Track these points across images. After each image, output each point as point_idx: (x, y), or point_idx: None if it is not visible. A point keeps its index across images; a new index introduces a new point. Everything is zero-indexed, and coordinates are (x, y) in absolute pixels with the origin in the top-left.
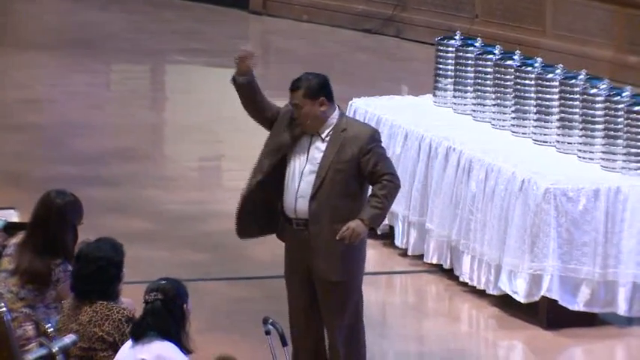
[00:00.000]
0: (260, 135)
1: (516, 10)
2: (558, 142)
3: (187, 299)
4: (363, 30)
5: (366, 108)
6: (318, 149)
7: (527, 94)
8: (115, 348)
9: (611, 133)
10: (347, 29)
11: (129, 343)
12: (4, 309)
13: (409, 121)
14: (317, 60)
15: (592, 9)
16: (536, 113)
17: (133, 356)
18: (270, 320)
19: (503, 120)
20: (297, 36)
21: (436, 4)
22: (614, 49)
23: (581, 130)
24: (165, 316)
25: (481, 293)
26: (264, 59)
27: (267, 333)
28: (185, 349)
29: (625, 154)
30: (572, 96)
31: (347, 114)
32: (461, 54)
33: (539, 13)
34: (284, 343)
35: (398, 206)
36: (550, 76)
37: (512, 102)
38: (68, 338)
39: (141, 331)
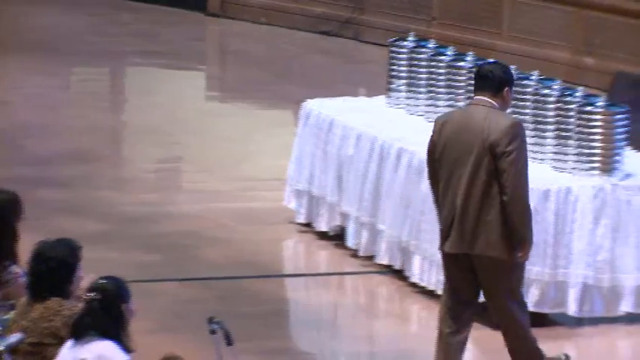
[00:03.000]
0: (215, 137)
1: (473, 13)
2: None
3: (129, 299)
4: (321, 32)
5: (319, 109)
6: None
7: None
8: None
9: (563, 133)
10: (305, 32)
11: (69, 342)
12: None
13: (362, 122)
14: (275, 62)
15: (549, 11)
16: None
17: (74, 356)
18: (215, 319)
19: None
20: (255, 38)
21: (394, 7)
22: (570, 51)
23: (532, 130)
24: (104, 316)
25: (431, 294)
26: (221, 61)
27: (212, 332)
28: (126, 348)
29: (576, 154)
30: (524, 97)
31: (300, 115)
32: (414, 55)
33: (496, 16)
34: (229, 343)
35: (350, 207)
36: None
37: (465, 103)
38: (14, 337)
39: (80, 330)
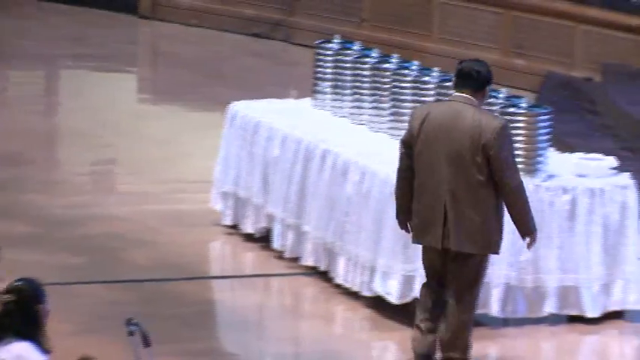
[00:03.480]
0: (146, 140)
1: (403, 15)
2: None
3: (44, 300)
4: (252, 34)
5: (245, 111)
6: None
7: (403, 97)
8: None
9: None
10: (236, 34)
11: None
12: None
13: (287, 124)
14: (206, 64)
15: (478, 12)
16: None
17: None
18: (133, 321)
19: (380, 123)
20: (186, 40)
21: (324, 9)
22: (500, 53)
23: None
24: (20, 317)
25: (356, 295)
26: (153, 64)
27: (130, 334)
28: (43, 349)
29: None
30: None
31: (226, 117)
32: (339, 57)
33: (426, 18)
34: (147, 344)
35: (275, 209)
36: (426, 79)
37: (389, 105)
38: None
39: None
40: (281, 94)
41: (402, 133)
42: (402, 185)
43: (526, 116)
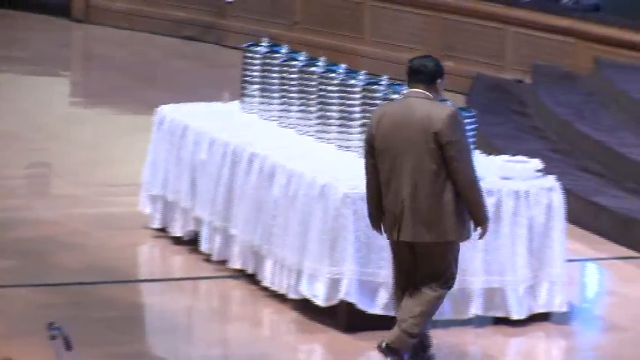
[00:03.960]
0: (77, 143)
1: (335, 17)
2: (360, 147)
3: None
4: (184, 37)
5: (173, 115)
6: None
7: (330, 100)
8: None
9: None
10: (168, 36)
11: None
12: None
13: (215, 127)
14: (138, 67)
15: (408, 15)
16: (339, 119)
17: None
18: (55, 325)
19: (308, 126)
20: (119, 44)
21: (256, 12)
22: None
23: None
24: None
25: (283, 297)
26: (85, 67)
27: (52, 338)
28: None
29: None
30: (373, 102)
31: (154, 121)
32: (267, 61)
33: (357, 20)
34: (68, 347)
35: (203, 212)
36: (352, 82)
37: (317, 108)
38: None
39: None
40: (213, 97)
41: (330, 136)
42: (369, 184)
43: None
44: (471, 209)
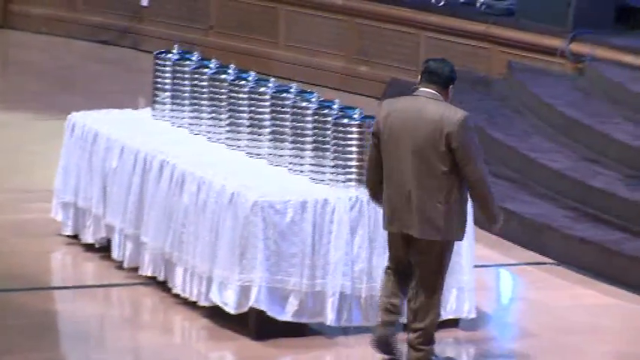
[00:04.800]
0: None
1: (250, 22)
2: (270, 154)
3: None
4: (100, 41)
5: (84, 121)
6: None
7: (240, 108)
8: None
9: (320, 145)
10: (85, 41)
11: None
12: None
13: (126, 134)
14: (57, 72)
15: (323, 19)
16: (249, 126)
17: None
18: None
19: (219, 133)
20: (37, 48)
21: (171, 16)
22: (345, 60)
23: (291, 142)
24: None
25: (194, 305)
26: (3, 72)
27: None
28: None
29: (333, 166)
30: (283, 109)
31: (66, 127)
32: (178, 68)
33: (272, 25)
34: None
35: (114, 219)
36: (262, 89)
37: (227, 115)
38: None
39: None
40: (129, 102)
41: (240, 143)
42: (370, 175)
43: (359, 127)
44: (482, 207)
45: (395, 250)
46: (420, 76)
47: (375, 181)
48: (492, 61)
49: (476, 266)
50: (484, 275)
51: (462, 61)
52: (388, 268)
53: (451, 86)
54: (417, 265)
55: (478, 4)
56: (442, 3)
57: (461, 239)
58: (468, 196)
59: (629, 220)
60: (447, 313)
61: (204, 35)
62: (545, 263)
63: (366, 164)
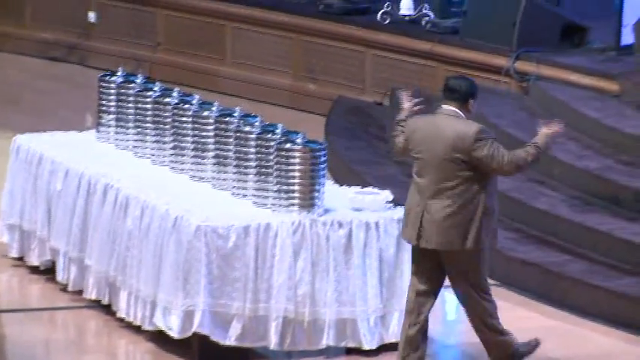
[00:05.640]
0: None
1: (197, 39)
2: (214, 178)
3: None
4: (49, 58)
5: (29, 144)
6: None
7: (184, 131)
8: None
9: (263, 170)
10: (33, 57)
11: None
12: None
13: (70, 157)
14: (4, 89)
15: (271, 37)
16: (193, 150)
17: None
18: None
19: (163, 156)
20: None
21: (120, 33)
22: (292, 77)
23: (235, 167)
24: None
25: (138, 329)
26: None
27: None
28: None
29: (276, 190)
30: (226, 133)
31: (11, 149)
32: (122, 90)
33: (219, 42)
34: None
35: (59, 242)
36: (206, 113)
37: (171, 139)
38: None
39: None
40: (77, 120)
41: (184, 167)
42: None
43: (301, 152)
44: (534, 165)
45: (417, 261)
46: (442, 94)
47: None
48: (438, 80)
49: None
50: None
51: (409, 80)
52: (410, 284)
53: (471, 100)
54: (451, 277)
55: (424, 23)
56: (388, 21)
57: (485, 248)
58: (494, 207)
59: (572, 241)
60: (389, 336)
61: (152, 52)
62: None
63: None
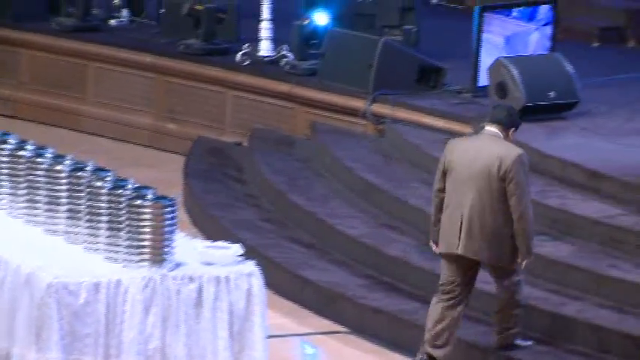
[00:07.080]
0: None
1: (60, 78)
2: (67, 232)
3: None
4: None
5: None
6: None
7: (38, 185)
8: None
9: (115, 225)
10: None
11: None
12: None
13: None
14: None
15: (132, 76)
16: (46, 203)
17: None
18: None
19: (17, 209)
20: None
21: None
22: (153, 117)
23: (87, 221)
24: None
25: None
26: None
27: None
28: None
29: (127, 246)
30: (79, 188)
31: None
32: None
33: (81, 81)
34: None
35: None
36: (59, 167)
37: (25, 192)
38: None
39: None
40: None
41: (38, 220)
42: (435, 208)
43: (152, 208)
44: (519, 241)
45: (448, 272)
46: (489, 113)
47: (438, 217)
48: (297, 121)
49: (270, 336)
50: (279, 346)
51: (268, 121)
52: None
53: (513, 129)
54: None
55: (283, 64)
56: (247, 62)
57: (515, 267)
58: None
59: (423, 288)
60: None
61: (16, 90)
62: (338, 332)
63: (433, 197)
